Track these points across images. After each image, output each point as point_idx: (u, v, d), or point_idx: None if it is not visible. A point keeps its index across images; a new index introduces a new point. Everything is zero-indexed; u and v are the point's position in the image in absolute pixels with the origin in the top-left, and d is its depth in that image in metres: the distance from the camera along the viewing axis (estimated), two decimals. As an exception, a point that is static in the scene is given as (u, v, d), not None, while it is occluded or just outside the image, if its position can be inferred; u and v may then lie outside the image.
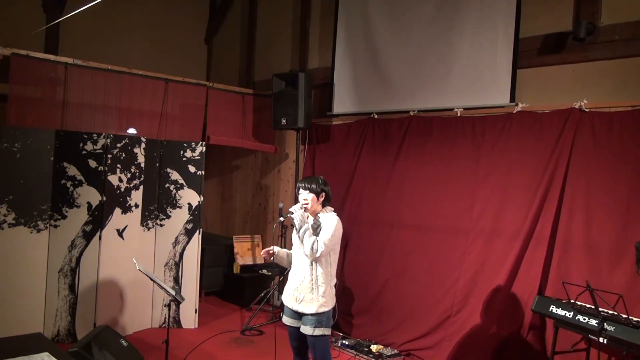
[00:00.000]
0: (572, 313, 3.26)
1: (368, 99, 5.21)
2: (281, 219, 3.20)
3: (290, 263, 3.28)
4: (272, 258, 3.19)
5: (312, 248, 2.95)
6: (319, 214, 3.16)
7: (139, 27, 6.81)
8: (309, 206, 3.12)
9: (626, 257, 3.48)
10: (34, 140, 4.36)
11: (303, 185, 3.16)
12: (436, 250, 4.50)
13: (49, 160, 4.43)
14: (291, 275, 3.19)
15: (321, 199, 3.16)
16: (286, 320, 3.19)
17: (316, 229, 3.08)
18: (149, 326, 4.97)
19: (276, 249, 3.23)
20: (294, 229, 3.08)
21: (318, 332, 3.01)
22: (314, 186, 3.13)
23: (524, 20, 4.16)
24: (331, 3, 5.64)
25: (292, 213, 3.07)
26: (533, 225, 3.93)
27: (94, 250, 4.46)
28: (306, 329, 3.04)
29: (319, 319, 3.02)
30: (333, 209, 3.22)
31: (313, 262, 3.05)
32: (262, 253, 3.22)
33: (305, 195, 3.13)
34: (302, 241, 3.01)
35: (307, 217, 3.17)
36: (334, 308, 3.16)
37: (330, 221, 3.07)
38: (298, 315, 3.11)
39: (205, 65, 7.58)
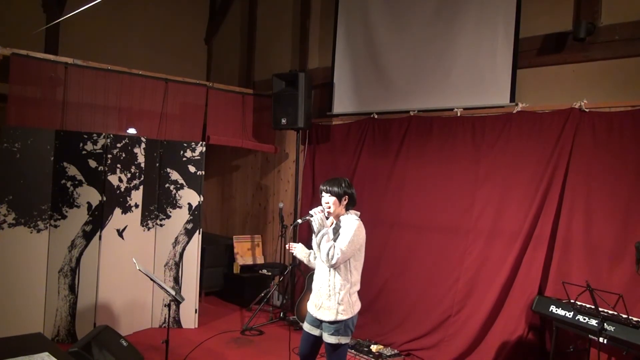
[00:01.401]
0: (572, 313, 3.26)
1: (368, 99, 5.21)
2: (299, 221, 3.05)
3: (312, 263, 3.19)
4: (293, 249, 3.23)
5: (327, 254, 2.84)
6: (341, 218, 3.03)
7: (139, 27, 6.82)
8: (331, 210, 3.00)
9: (626, 257, 3.48)
10: (34, 140, 4.36)
11: (325, 187, 3.02)
12: (436, 250, 4.50)
13: (49, 160, 4.43)
14: (313, 281, 3.11)
15: (344, 202, 3.01)
16: (305, 325, 3.10)
17: (337, 234, 2.96)
18: (149, 326, 4.97)
19: (298, 249, 3.22)
20: (313, 233, 2.97)
21: (334, 339, 2.92)
22: (335, 189, 2.99)
23: (524, 20, 4.16)
24: (331, 3, 5.64)
25: (312, 216, 2.94)
26: (533, 225, 3.93)
27: (94, 250, 4.46)
28: (325, 336, 2.97)
29: (336, 327, 2.92)
30: (357, 213, 3.09)
31: (331, 268, 2.94)
32: (287, 246, 3.26)
33: (327, 199, 2.99)
34: (319, 246, 2.89)
35: (332, 222, 3.05)
36: (357, 316, 3.03)
37: (350, 226, 2.93)
38: (317, 322, 3.02)
39: (205, 65, 7.58)
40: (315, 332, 3.03)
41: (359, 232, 2.96)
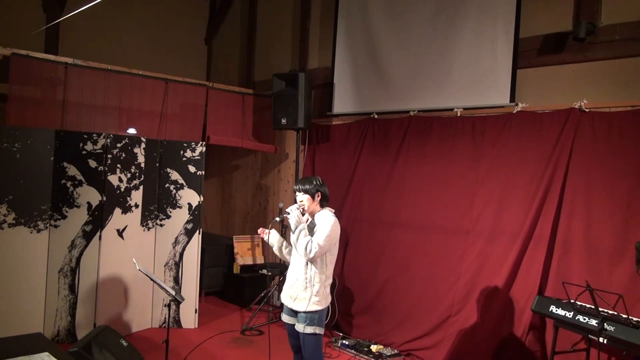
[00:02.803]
0: (572, 313, 3.26)
1: (368, 99, 5.21)
2: (277, 219, 3.25)
3: (283, 253, 3.31)
4: (266, 234, 3.26)
5: (305, 248, 2.98)
6: (316, 215, 3.17)
7: (139, 27, 6.82)
8: (305, 207, 3.15)
9: (626, 257, 3.48)
10: (34, 140, 4.36)
11: (297, 187, 3.18)
12: (436, 250, 4.50)
13: (49, 160, 4.43)
14: (288, 273, 3.24)
15: (317, 199, 3.16)
16: (284, 317, 3.24)
17: (312, 230, 3.10)
18: (149, 326, 4.97)
19: (272, 235, 3.28)
20: (290, 229, 3.11)
21: (309, 330, 3.06)
22: (307, 187, 3.15)
23: (524, 20, 4.16)
24: (331, 3, 5.64)
25: (289, 213, 3.10)
26: (533, 225, 3.93)
27: (94, 250, 4.46)
28: (298, 326, 3.10)
29: (310, 317, 3.06)
30: (332, 210, 3.23)
31: (308, 262, 3.08)
32: (259, 231, 3.30)
33: (301, 197, 3.16)
34: (297, 241, 3.03)
35: (307, 219, 3.19)
36: (329, 309, 3.20)
37: (327, 222, 3.08)
38: (294, 313, 3.16)
39: (205, 65, 7.58)
40: (294, 321, 3.17)
41: (335, 228, 3.11)
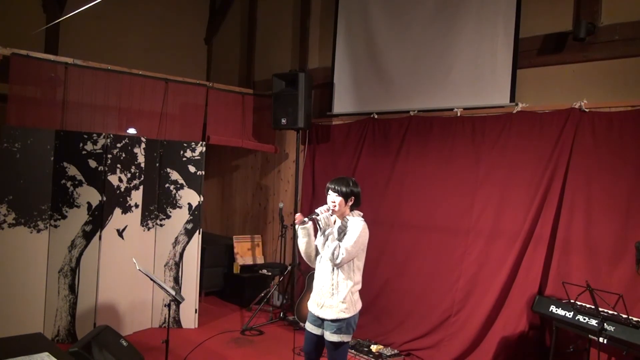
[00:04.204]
0: (572, 313, 3.27)
1: (368, 99, 5.21)
2: (306, 219, 3.01)
3: (310, 257, 3.12)
4: (301, 224, 2.99)
5: (333, 254, 2.86)
6: (346, 218, 3.04)
7: (139, 27, 6.82)
8: (336, 209, 2.99)
9: (626, 257, 3.48)
10: (34, 140, 4.36)
11: (333, 187, 3.00)
12: (436, 250, 4.50)
13: (49, 160, 4.43)
14: (315, 280, 3.11)
15: (350, 203, 3.02)
16: (307, 325, 3.10)
17: (341, 234, 2.98)
18: (149, 326, 4.97)
19: (324, 216, 2.95)
20: (319, 231, 2.97)
21: (336, 338, 2.94)
22: (344, 189, 2.97)
23: (524, 20, 4.16)
24: (331, 3, 5.64)
25: (318, 215, 2.94)
26: (533, 225, 3.93)
27: (94, 250, 4.46)
28: (326, 334, 2.98)
29: (338, 325, 2.94)
30: (361, 213, 3.10)
31: (335, 268, 2.96)
32: (297, 216, 3.01)
33: (334, 198, 2.99)
34: (323, 245, 2.91)
35: (334, 221, 3.06)
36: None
37: (356, 227, 2.96)
38: (319, 322, 3.03)
39: (205, 65, 7.58)
40: (318, 331, 3.04)
41: (364, 233, 2.99)
